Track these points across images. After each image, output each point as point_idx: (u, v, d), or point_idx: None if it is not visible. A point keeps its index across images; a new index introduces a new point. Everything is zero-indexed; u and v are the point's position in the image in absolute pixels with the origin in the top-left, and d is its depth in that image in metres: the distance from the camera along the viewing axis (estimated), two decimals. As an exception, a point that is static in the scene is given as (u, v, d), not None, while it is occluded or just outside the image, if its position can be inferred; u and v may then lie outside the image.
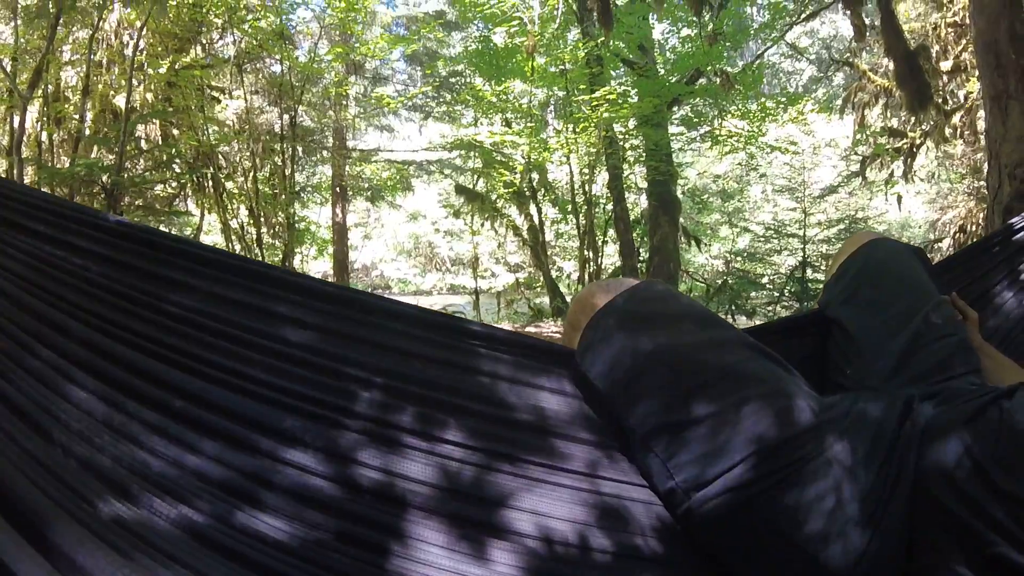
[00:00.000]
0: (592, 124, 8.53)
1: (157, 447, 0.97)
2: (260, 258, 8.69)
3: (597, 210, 10.89)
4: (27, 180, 5.36)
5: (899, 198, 9.40)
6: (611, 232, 10.75)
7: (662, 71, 8.73)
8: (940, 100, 6.76)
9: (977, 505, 0.87)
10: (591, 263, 10.73)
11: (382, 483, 0.99)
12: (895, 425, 0.98)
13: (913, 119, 7.26)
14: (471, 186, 12.30)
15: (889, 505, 0.92)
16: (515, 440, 1.07)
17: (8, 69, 4.79)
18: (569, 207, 11.17)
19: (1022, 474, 0.87)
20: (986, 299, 1.54)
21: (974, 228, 7.84)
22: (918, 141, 7.75)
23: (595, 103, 8.02)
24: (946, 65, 6.85)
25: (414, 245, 18.01)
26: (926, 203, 10.68)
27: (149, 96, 6.67)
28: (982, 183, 7.24)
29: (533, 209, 11.65)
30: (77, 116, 5.85)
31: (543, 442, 1.08)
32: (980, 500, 0.87)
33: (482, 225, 12.63)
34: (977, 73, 4.76)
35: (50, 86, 5.55)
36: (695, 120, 9.30)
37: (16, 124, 4.51)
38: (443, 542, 0.96)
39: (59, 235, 1.16)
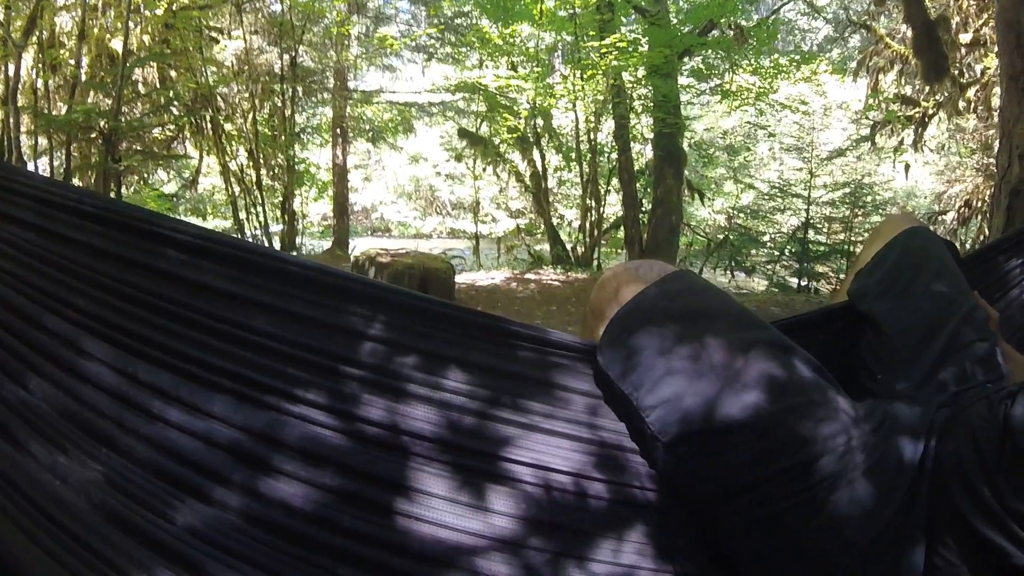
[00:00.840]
0: (600, 72, 8.33)
1: (167, 414, 0.99)
2: (260, 200, 8.65)
3: (601, 159, 10.75)
4: (24, 128, 5.28)
5: (907, 167, 9.25)
6: (614, 182, 10.64)
7: (675, 21, 8.46)
8: (956, 72, 6.57)
9: (988, 511, 0.85)
10: (593, 212, 10.67)
11: (386, 434, 1.00)
12: (925, 435, 0.96)
13: (927, 89, 7.08)
14: (474, 130, 12.10)
15: (912, 513, 0.91)
16: (516, 386, 1.07)
17: (1, 17, 4.64)
18: (573, 155, 11.02)
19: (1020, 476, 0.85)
20: (1007, 299, 1.51)
21: (979, 204, 7.76)
22: (931, 111, 7.59)
23: (604, 50, 7.81)
24: (965, 38, 6.63)
25: (415, 188, 17.83)
26: (933, 174, 10.52)
27: (146, 39, 6.49)
28: (991, 160, 7.14)
29: (536, 155, 11.50)
30: (73, 61, 5.71)
31: (544, 388, 1.07)
32: (990, 505, 0.85)
33: (484, 170, 12.49)
34: (996, 50, 4.63)
35: (45, 32, 5.39)
36: (706, 73, 9.07)
37: (11, 72, 4.41)
38: (445, 494, 0.97)
39: (43, 222, 1.14)
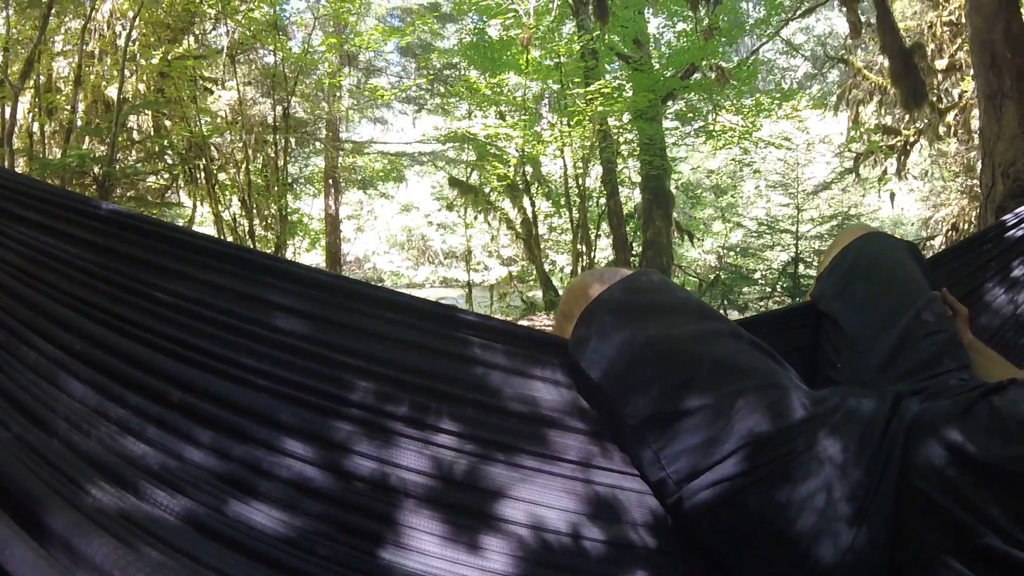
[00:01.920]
0: (586, 118, 8.51)
1: (155, 438, 0.97)
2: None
3: (591, 204, 10.88)
4: (18, 171, 5.31)
5: (892, 195, 9.45)
6: (604, 226, 10.75)
7: (657, 65, 8.71)
8: (935, 98, 6.78)
9: (965, 498, 0.88)
10: (584, 257, 10.74)
11: (377, 473, 0.99)
12: (884, 421, 1.00)
13: (907, 117, 7.28)
14: (465, 179, 12.27)
15: (876, 499, 0.93)
16: (509, 430, 1.08)
17: (-1, 59, 4.74)
18: (563, 200, 11.16)
19: (1012, 467, 0.88)
20: (977, 295, 1.55)
21: (966, 226, 7.89)
22: (912, 139, 7.79)
23: (590, 96, 8.00)
24: (941, 63, 6.88)
25: (407, 237, 17.95)
26: (919, 200, 10.74)
27: (141, 87, 6.60)
28: (975, 181, 7.31)
29: (527, 202, 11.65)
30: (69, 107, 5.79)
31: (537, 432, 1.09)
32: (968, 494, 0.88)
33: (475, 218, 12.61)
34: (972, 72, 4.78)
35: (42, 76, 5.49)
36: (689, 115, 9.30)
37: (7, 115, 4.46)
38: (438, 532, 0.96)
39: (53, 223, 1.15)
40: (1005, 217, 1.66)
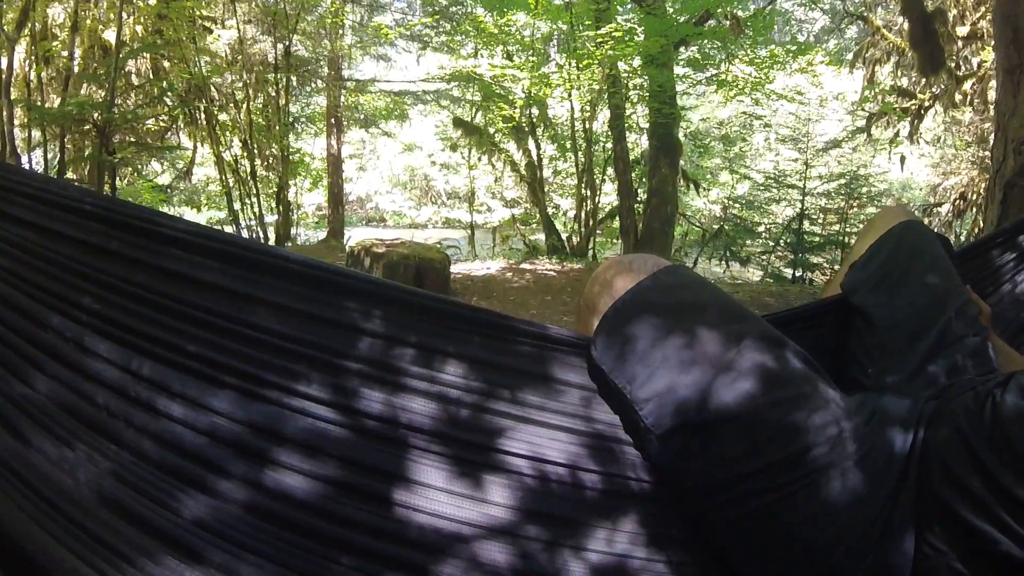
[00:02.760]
0: (596, 61, 8.30)
1: (171, 410, 1.00)
2: (255, 190, 8.61)
3: (596, 149, 10.75)
4: (17, 121, 5.23)
5: (902, 159, 9.28)
6: (610, 171, 10.65)
7: (671, 10, 8.41)
8: (953, 65, 6.57)
9: (976, 500, 0.86)
10: (588, 201, 10.68)
11: (384, 427, 1.02)
12: (913, 430, 0.96)
13: (924, 81, 7.08)
14: (469, 119, 12.06)
15: (898, 504, 0.91)
16: (512, 378, 1.08)
17: (-7, 10, 4.59)
18: (568, 144, 11.01)
19: (1018, 469, 0.85)
20: (998, 293, 1.51)
21: (974, 197, 7.79)
22: (927, 104, 7.60)
23: (600, 40, 7.78)
24: (962, 31, 6.63)
25: (410, 178, 17.74)
26: (929, 166, 10.55)
27: (139, 29, 6.42)
28: (986, 154, 7.16)
29: (532, 145, 11.49)
30: (66, 53, 5.65)
31: (540, 380, 1.09)
32: (978, 494, 0.86)
33: (479, 159, 12.47)
34: (993, 43, 4.64)
35: (37, 24, 5.33)
36: (702, 63, 9.05)
37: (3, 65, 4.37)
38: (442, 485, 0.99)
39: (41, 221, 1.14)
40: None
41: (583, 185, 10.49)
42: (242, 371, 1.04)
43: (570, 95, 9.46)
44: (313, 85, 10.87)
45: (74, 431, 0.99)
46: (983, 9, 6.52)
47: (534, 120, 11.32)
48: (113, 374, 1.04)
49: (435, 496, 0.98)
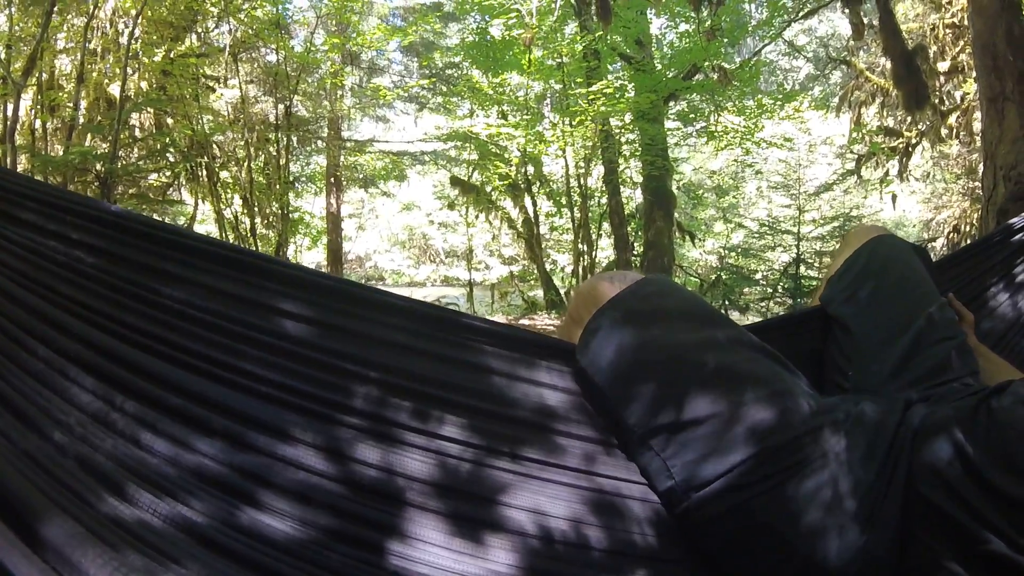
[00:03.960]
0: (588, 118, 8.51)
1: (155, 445, 0.96)
2: (255, 247, 8.66)
3: (592, 203, 10.89)
4: (20, 168, 5.31)
5: (894, 197, 9.46)
6: (606, 226, 10.76)
7: (659, 66, 8.71)
8: (937, 100, 6.78)
9: (968, 504, 0.87)
10: (585, 256, 10.74)
11: (380, 479, 0.99)
12: (893, 427, 0.99)
13: (909, 119, 7.28)
14: (466, 178, 12.27)
15: (884, 505, 0.93)
16: (513, 435, 1.07)
17: (2, 56, 4.74)
18: (564, 200, 11.16)
19: (1012, 471, 0.87)
20: (982, 300, 1.54)
21: (968, 228, 7.89)
22: (914, 141, 7.79)
23: (592, 97, 8.01)
24: (943, 66, 6.88)
25: (408, 236, 17.94)
26: (921, 202, 10.76)
27: (144, 84, 6.61)
28: (977, 184, 7.31)
29: (528, 202, 11.64)
30: (71, 104, 5.80)
31: (541, 437, 1.08)
32: (971, 499, 0.87)
33: (477, 217, 12.60)
34: (974, 74, 4.78)
35: (44, 74, 5.50)
36: (691, 116, 9.30)
37: (10, 112, 4.47)
38: (441, 539, 0.95)
39: (52, 226, 1.14)
40: (1011, 221, 1.65)
41: (580, 240, 10.58)
42: (233, 413, 1.02)
43: (564, 152, 9.66)
44: (313, 145, 11.12)
45: (68, 416, 0.96)
46: (962, 43, 6.77)
47: (530, 177, 11.52)
48: (92, 401, 1.00)
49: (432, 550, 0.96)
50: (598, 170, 10.34)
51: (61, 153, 5.65)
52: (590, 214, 10.59)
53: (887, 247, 1.38)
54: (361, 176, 12.39)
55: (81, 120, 5.93)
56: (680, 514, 1.00)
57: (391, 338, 1.12)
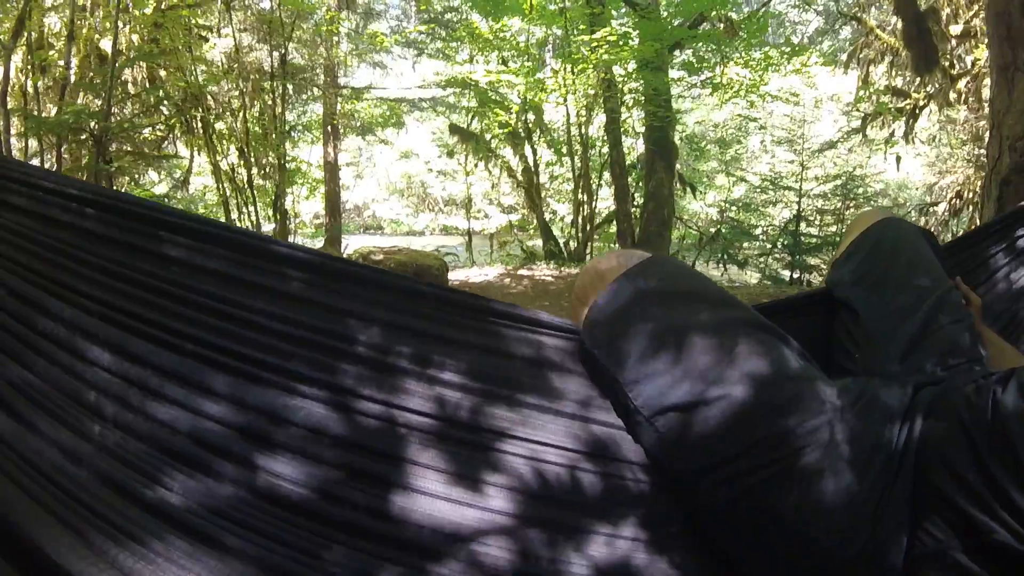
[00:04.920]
0: (591, 66, 8.32)
1: (177, 396, 1.01)
2: (252, 199, 8.60)
3: (593, 153, 10.76)
4: (14, 131, 5.23)
5: (898, 158, 9.33)
6: (606, 176, 10.65)
7: (665, 14, 8.46)
8: (947, 64, 6.62)
9: (974, 493, 0.87)
10: (585, 206, 10.68)
11: (383, 428, 1.02)
12: (902, 412, 0.98)
13: (918, 81, 7.13)
14: (465, 125, 12.08)
15: (893, 490, 0.92)
16: (512, 375, 1.10)
17: (-11, 19, 4.60)
18: (564, 149, 11.02)
19: (1018, 461, 0.86)
20: (990, 284, 1.53)
21: (970, 195, 7.82)
22: (921, 103, 7.64)
23: (595, 44, 7.81)
24: (955, 29, 6.67)
25: (407, 185, 17.77)
26: (925, 166, 10.63)
27: (135, 38, 6.43)
28: (982, 151, 7.21)
29: (528, 150, 11.50)
30: (62, 63, 5.65)
31: (539, 376, 1.11)
32: (977, 488, 0.87)
33: (476, 165, 12.48)
34: (986, 41, 4.66)
35: (33, 33, 5.34)
36: (696, 66, 9.08)
37: (0, 75, 4.37)
38: (442, 472, 0.99)
39: (38, 208, 1.15)
40: (1021, 204, 1.63)
41: (580, 190, 10.49)
42: (240, 355, 1.05)
43: (566, 100, 9.48)
44: (309, 93, 10.89)
45: (70, 411, 1.00)
46: (976, 7, 6.57)
47: (530, 126, 11.35)
48: (110, 357, 1.04)
49: (435, 485, 0.99)
50: (600, 119, 10.17)
51: (54, 113, 5.55)
52: (591, 164, 10.47)
53: (895, 230, 1.36)
54: (358, 124, 12.19)
55: (73, 78, 5.79)
56: (688, 497, 1.01)
57: (390, 301, 1.14)
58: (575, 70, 8.69)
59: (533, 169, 11.38)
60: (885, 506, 0.91)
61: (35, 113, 5.49)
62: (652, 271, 1.13)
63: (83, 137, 5.49)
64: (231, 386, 1.02)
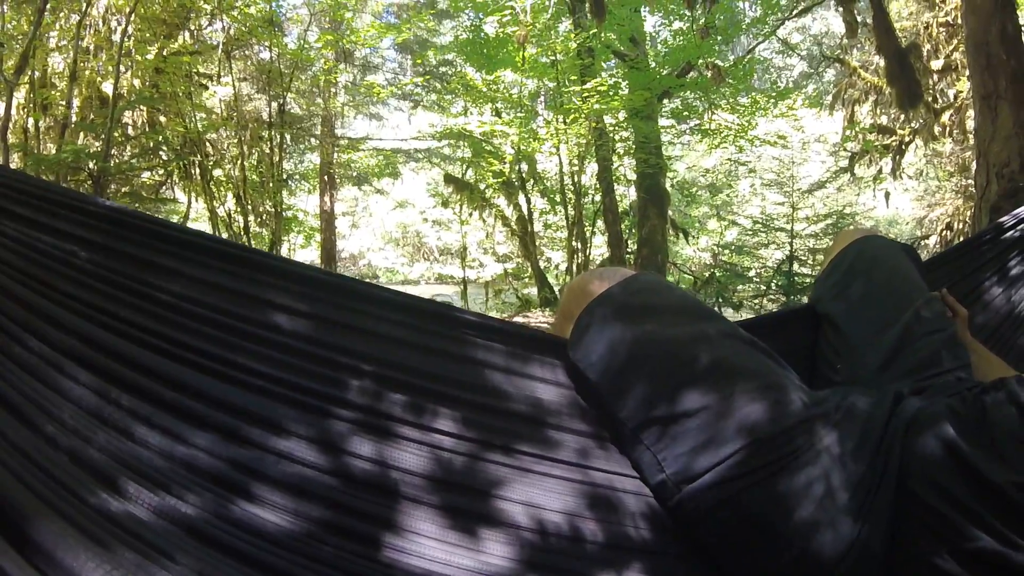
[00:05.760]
0: (582, 115, 8.51)
1: (148, 439, 0.96)
2: (248, 246, 8.62)
3: (586, 201, 10.89)
4: (13, 167, 5.27)
5: (887, 195, 9.53)
6: (600, 223, 10.76)
7: (653, 64, 8.72)
8: (930, 98, 6.83)
9: (958, 500, 0.88)
10: (579, 254, 10.73)
11: (374, 473, 0.99)
12: (884, 420, 1.00)
13: (903, 117, 7.33)
14: (460, 175, 12.26)
15: (876, 498, 0.93)
16: (507, 429, 1.07)
17: (-6, 54, 4.70)
18: (558, 198, 11.16)
19: (1004, 468, 0.88)
20: (975, 296, 1.56)
21: (961, 226, 7.95)
22: (907, 138, 7.84)
23: (586, 94, 8.00)
24: (937, 64, 6.92)
25: (402, 234, 17.93)
26: (914, 200, 10.84)
27: (136, 82, 6.58)
28: (970, 181, 7.36)
29: (522, 199, 11.64)
30: (64, 102, 5.76)
31: (535, 431, 1.09)
32: (961, 495, 0.88)
33: (470, 215, 12.59)
34: (967, 73, 4.80)
35: (37, 72, 5.46)
36: (685, 113, 9.32)
37: (2, 110, 4.44)
38: (435, 532, 0.96)
39: (47, 220, 1.14)
40: (1003, 219, 1.67)
41: (574, 237, 10.57)
42: (228, 406, 1.02)
43: (558, 149, 9.66)
44: (307, 143, 11.08)
45: (62, 410, 0.96)
46: (956, 41, 6.81)
47: (524, 175, 11.52)
48: (90, 398, 1.00)
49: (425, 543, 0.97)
50: (592, 168, 10.34)
51: (54, 152, 5.61)
52: (584, 211, 10.59)
53: (874, 246, 1.40)
54: (355, 174, 12.38)
55: (74, 118, 5.89)
56: (673, 507, 1.01)
57: (385, 332, 1.12)
58: (567, 120, 8.88)
59: (527, 217, 11.50)
60: (868, 512, 0.92)
61: (35, 151, 5.55)
62: (633, 287, 1.17)
63: (82, 177, 5.54)
64: (215, 440, 0.99)
